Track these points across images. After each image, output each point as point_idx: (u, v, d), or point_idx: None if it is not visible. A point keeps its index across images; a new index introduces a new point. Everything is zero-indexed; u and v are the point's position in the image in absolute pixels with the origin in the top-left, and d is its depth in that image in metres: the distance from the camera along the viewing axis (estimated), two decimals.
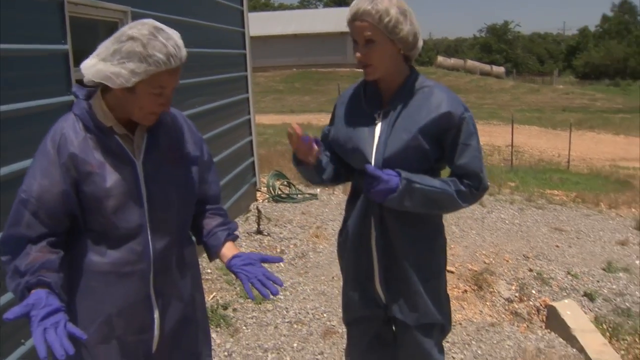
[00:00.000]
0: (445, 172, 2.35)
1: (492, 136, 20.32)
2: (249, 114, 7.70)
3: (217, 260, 5.03)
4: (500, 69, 53.46)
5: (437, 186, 2.24)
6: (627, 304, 5.20)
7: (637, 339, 4.55)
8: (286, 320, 4.38)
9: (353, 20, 2.19)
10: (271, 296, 1.96)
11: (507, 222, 7.70)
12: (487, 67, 52.41)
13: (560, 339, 4.31)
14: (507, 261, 6.02)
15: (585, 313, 4.88)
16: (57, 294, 1.78)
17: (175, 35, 1.81)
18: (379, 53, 2.19)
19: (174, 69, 1.80)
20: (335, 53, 42.50)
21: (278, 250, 5.79)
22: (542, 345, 4.19)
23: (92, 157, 1.85)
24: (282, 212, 7.19)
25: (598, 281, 5.66)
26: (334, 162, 2.50)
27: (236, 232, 2.19)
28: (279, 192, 8.09)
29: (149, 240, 1.92)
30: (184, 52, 1.81)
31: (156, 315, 1.99)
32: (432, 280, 2.44)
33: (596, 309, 5.12)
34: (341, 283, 2.65)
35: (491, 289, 5.35)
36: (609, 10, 78.20)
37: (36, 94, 3.14)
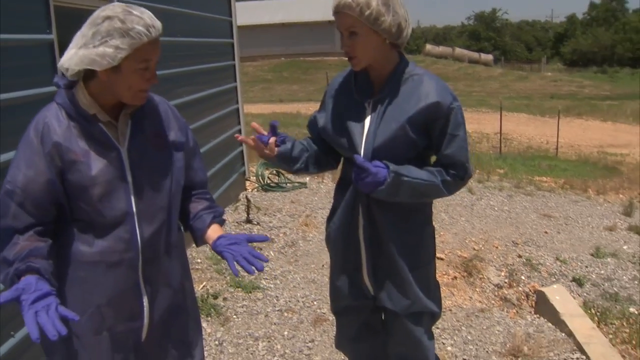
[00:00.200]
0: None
1: (480, 124, 20.37)
2: (237, 103, 7.67)
3: (207, 250, 5.01)
4: (489, 57, 53.48)
5: (425, 178, 2.24)
6: (615, 289, 5.24)
7: (624, 323, 4.59)
8: (276, 308, 4.38)
9: (336, 12, 2.18)
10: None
11: (496, 208, 7.73)
12: (475, 55, 52.39)
13: (549, 324, 4.34)
14: (497, 247, 6.05)
15: (574, 298, 4.92)
16: (47, 279, 1.77)
17: (145, 10, 1.83)
18: (362, 45, 2.18)
19: (155, 39, 1.80)
20: (324, 42, 42.34)
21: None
22: (532, 330, 4.22)
23: (76, 146, 1.83)
24: (271, 201, 7.18)
25: (586, 266, 5.70)
26: (320, 149, 2.49)
27: (223, 217, 2.18)
28: (268, 181, 8.08)
29: (136, 228, 1.91)
30: (158, 23, 1.82)
31: (145, 303, 1.99)
32: (421, 269, 2.44)
33: (585, 294, 5.16)
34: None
35: (481, 275, 5.37)
36: None
37: (21, 85, 3.11)
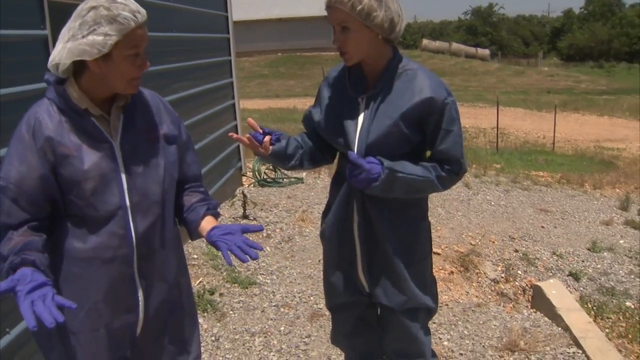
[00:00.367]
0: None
1: (477, 118, 20.36)
2: (233, 98, 7.66)
3: (204, 246, 4.99)
4: (485, 52, 53.43)
5: (419, 174, 2.23)
6: (611, 283, 5.25)
7: (621, 317, 4.60)
8: (273, 304, 4.38)
9: (327, 7, 2.17)
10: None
11: (492, 203, 7.74)
12: (472, 50, 52.35)
13: (546, 318, 4.35)
14: (493, 242, 6.06)
15: (571, 292, 4.93)
16: (43, 271, 1.76)
17: None
18: (354, 40, 2.16)
19: (142, 25, 1.80)
20: (320, 37, 42.20)
21: (264, 234, 5.79)
22: (528, 324, 4.22)
23: (68, 140, 1.83)
24: (268, 196, 7.17)
25: (583, 261, 5.71)
26: (315, 145, 2.48)
27: (218, 210, 2.17)
28: (265, 177, 8.07)
29: (130, 223, 1.91)
30: (143, 10, 1.82)
31: (140, 297, 1.99)
32: (416, 264, 2.44)
33: (581, 289, 5.17)
34: None
35: (477, 270, 5.38)
36: None
37: (15, 81, 3.09)
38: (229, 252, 1.90)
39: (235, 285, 4.61)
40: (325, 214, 2.55)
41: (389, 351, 2.64)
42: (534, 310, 4.62)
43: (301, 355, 3.72)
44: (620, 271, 5.53)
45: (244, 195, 6.39)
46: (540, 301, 4.60)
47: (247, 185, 7.77)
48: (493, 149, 13.94)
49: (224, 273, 4.77)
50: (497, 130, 15.16)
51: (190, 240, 2.23)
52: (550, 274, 5.41)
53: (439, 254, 5.55)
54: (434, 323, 4.11)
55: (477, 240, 6.02)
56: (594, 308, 4.74)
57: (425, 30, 78.41)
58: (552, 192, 8.84)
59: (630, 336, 4.25)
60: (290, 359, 3.69)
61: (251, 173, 8.07)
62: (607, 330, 4.35)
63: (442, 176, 2.27)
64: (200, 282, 4.63)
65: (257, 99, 26.33)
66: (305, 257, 5.32)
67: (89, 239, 1.89)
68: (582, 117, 22.95)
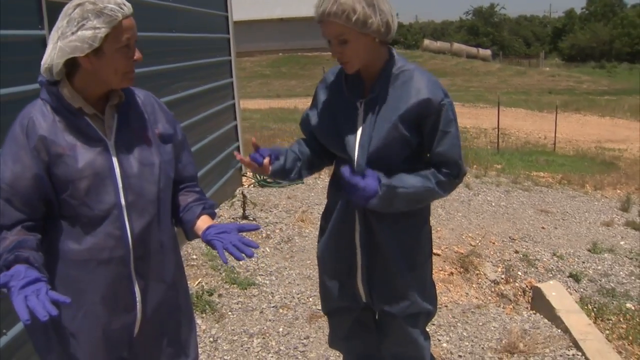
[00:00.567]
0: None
1: (478, 119, 20.34)
2: (233, 98, 7.65)
3: (203, 246, 4.98)
4: (487, 52, 53.39)
5: (419, 185, 2.20)
6: (612, 284, 5.24)
7: (621, 319, 4.58)
8: (272, 305, 4.37)
9: (320, 21, 2.13)
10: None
11: (493, 204, 7.72)
12: (473, 50, 52.32)
13: (546, 320, 4.33)
14: (493, 243, 6.04)
15: (571, 294, 4.91)
16: (37, 268, 1.75)
17: None
18: (353, 49, 2.13)
19: (129, 16, 1.80)
20: (322, 37, 41.99)
21: (264, 235, 5.77)
22: (527, 326, 4.21)
23: (62, 139, 1.83)
24: (267, 196, 7.16)
25: (583, 262, 5.70)
26: (314, 151, 2.44)
27: (214, 209, 2.17)
28: (265, 177, 8.06)
29: (126, 223, 1.90)
30: (127, 2, 1.83)
31: (138, 297, 1.98)
32: (417, 269, 2.42)
33: (581, 290, 5.15)
34: None
35: (477, 271, 5.36)
36: None
37: (13, 81, 3.09)
38: (224, 250, 1.90)
39: (234, 286, 4.60)
40: (324, 217, 2.52)
41: (388, 355, 2.63)
42: (534, 311, 4.61)
43: (299, 357, 3.70)
44: (621, 272, 5.52)
45: (244, 196, 6.38)
46: (539, 303, 4.58)
47: (247, 186, 7.76)
48: (494, 150, 13.91)
49: (223, 274, 4.76)
50: (498, 131, 15.13)
51: (188, 241, 2.22)
52: (551, 275, 5.40)
53: (438, 254, 5.54)
54: (433, 325, 4.10)
55: (477, 241, 6.00)
56: (594, 309, 4.72)
57: (426, 31, 78.39)
58: (553, 193, 8.82)
59: (630, 338, 4.23)
60: None
61: (251, 173, 8.07)
62: (607, 331, 4.33)
63: (442, 182, 2.24)
64: (199, 282, 4.61)
65: (258, 98, 26.33)
66: (305, 257, 5.31)
67: (84, 240, 1.88)
68: (583, 118, 22.91)
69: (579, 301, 4.82)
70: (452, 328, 4.14)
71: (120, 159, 1.89)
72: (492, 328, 4.16)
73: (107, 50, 1.78)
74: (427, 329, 2.71)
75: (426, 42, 53.73)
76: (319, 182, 8.05)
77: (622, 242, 6.45)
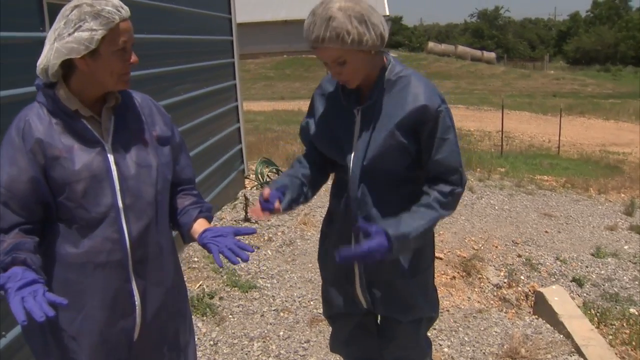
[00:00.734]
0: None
1: (482, 122, 20.30)
2: (236, 101, 7.64)
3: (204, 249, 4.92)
4: (491, 55, 53.34)
5: (426, 220, 2.15)
6: (615, 289, 5.21)
7: (624, 324, 4.55)
8: (273, 308, 4.35)
9: (313, 47, 2.08)
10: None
11: (496, 207, 7.70)
12: (478, 53, 52.27)
13: (548, 325, 4.31)
14: (496, 247, 6.02)
15: (574, 298, 4.88)
16: (34, 270, 1.74)
17: None
18: (352, 68, 2.09)
19: (126, 19, 1.80)
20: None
21: (266, 237, 5.76)
22: (529, 331, 4.18)
23: (58, 142, 1.82)
24: None
25: (587, 266, 5.67)
26: (315, 166, 2.41)
27: (211, 213, 2.16)
28: (268, 179, 8.04)
29: (123, 225, 1.89)
30: (126, 6, 1.82)
31: (137, 302, 1.96)
32: (419, 275, 2.39)
33: (585, 294, 5.12)
34: None
35: (480, 275, 5.34)
36: None
37: (14, 83, 3.08)
38: (220, 254, 1.90)
39: (235, 288, 4.59)
40: (326, 222, 2.50)
41: (390, 358, 2.62)
42: (536, 316, 4.58)
43: None
44: (625, 277, 5.48)
45: (246, 198, 6.37)
46: (542, 307, 4.56)
47: (249, 188, 7.75)
48: (498, 153, 13.88)
49: (225, 277, 4.74)
50: (502, 134, 15.08)
51: (185, 244, 2.21)
52: (554, 279, 5.37)
53: (441, 258, 5.52)
54: (434, 329, 4.08)
55: (480, 245, 5.98)
56: (598, 314, 4.69)
57: (431, 33, 78.44)
58: (557, 197, 8.79)
59: (634, 343, 4.20)
60: None
61: (254, 175, 8.06)
62: (610, 337, 4.30)
63: (445, 203, 2.18)
64: (200, 285, 4.60)
65: (262, 100, 26.35)
66: (307, 261, 5.29)
67: (82, 243, 1.87)
68: (587, 121, 22.85)
69: (581, 306, 4.79)
70: (454, 333, 4.12)
71: (117, 161, 1.89)
72: (494, 333, 4.14)
73: (104, 53, 1.77)
74: (429, 334, 2.69)
75: (430, 44, 53.75)
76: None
77: (626, 247, 6.42)
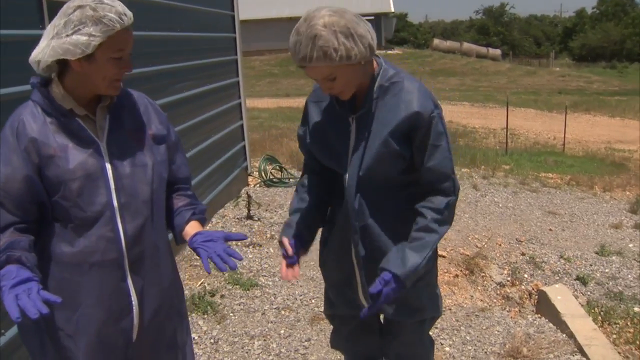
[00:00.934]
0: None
1: (487, 119, 20.25)
2: (239, 98, 7.63)
3: None
4: (497, 52, 53.17)
5: (430, 245, 2.15)
6: (619, 288, 5.17)
7: (628, 323, 4.52)
8: (274, 306, 4.34)
9: (301, 66, 2.03)
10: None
11: (500, 205, 7.67)
12: (483, 50, 52.13)
13: (551, 324, 4.28)
14: (500, 245, 5.99)
15: (577, 297, 4.85)
16: (29, 268, 1.74)
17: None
18: (343, 81, 2.05)
19: (128, 28, 1.78)
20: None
21: (268, 235, 5.75)
22: (532, 330, 4.16)
23: (53, 141, 1.81)
24: (273, 196, 7.14)
25: (591, 265, 5.63)
26: (321, 178, 2.39)
27: (204, 214, 2.16)
28: (271, 176, 8.04)
29: (119, 224, 1.88)
30: (130, 12, 1.79)
31: (134, 302, 1.96)
32: (421, 278, 2.38)
33: (588, 293, 5.09)
34: None
35: (483, 274, 5.31)
36: None
37: (12, 81, 3.07)
38: (208, 259, 1.89)
39: (237, 287, 4.58)
40: (326, 228, 2.48)
41: (393, 355, 2.61)
42: (539, 315, 4.56)
43: None
44: (629, 276, 5.45)
45: (249, 196, 6.35)
46: (545, 306, 4.53)
47: (252, 185, 7.75)
48: (502, 150, 13.84)
49: (226, 274, 4.73)
50: (507, 131, 15.04)
51: (177, 245, 2.20)
52: (557, 277, 5.34)
53: (444, 256, 5.49)
54: (436, 328, 4.05)
55: (484, 243, 5.95)
56: (602, 313, 4.66)
57: (436, 30, 78.14)
58: (561, 194, 8.75)
59: (638, 342, 4.17)
60: None
61: (257, 173, 8.05)
62: (614, 336, 4.27)
63: (442, 219, 2.17)
64: (201, 283, 4.59)
65: (267, 97, 26.34)
66: (308, 259, 5.23)
67: (77, 242, 1.87)
68: (593, 118, 22.76)
69: (585, 304, 4.76)
70: (456, 332, 4.10)
71: (112, 160, 1.88)
72: (496, 332, 4.11)
73: (99, 58, 1.76)
74: (430, 333, 2.68)
75: (436, 41, 53.58)
76: None
77: (630, 245, 6.38)
